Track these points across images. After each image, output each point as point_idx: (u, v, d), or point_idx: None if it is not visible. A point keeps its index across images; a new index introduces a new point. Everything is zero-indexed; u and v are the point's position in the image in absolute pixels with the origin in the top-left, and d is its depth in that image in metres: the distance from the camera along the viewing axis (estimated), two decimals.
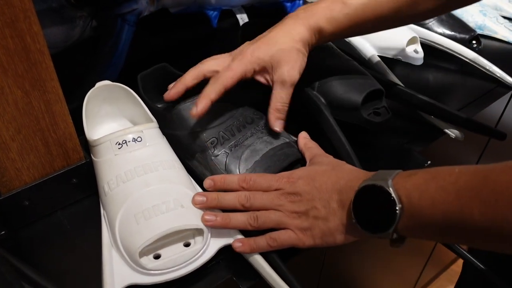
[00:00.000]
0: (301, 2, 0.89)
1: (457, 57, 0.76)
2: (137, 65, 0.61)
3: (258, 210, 0.44)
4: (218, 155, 0.50)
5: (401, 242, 0.39)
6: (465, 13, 0.84)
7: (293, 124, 0.54)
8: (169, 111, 0.53)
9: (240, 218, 0.44)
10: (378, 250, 0.77)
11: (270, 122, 0.52)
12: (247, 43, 0.54)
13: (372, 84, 0.58)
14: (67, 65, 0.68)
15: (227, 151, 0.50)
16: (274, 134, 0.52)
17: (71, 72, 0.67)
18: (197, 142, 0.51)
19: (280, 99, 0.51)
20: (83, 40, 0.71)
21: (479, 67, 0.74)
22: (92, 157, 0.50)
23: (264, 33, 0.54)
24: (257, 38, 0.54)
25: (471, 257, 0.51)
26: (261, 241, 0.44)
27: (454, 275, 1.36)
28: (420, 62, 0.71)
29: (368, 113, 0.57)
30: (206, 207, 0.45)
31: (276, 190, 0.45)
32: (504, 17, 0.89)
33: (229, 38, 0.84)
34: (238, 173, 0.48)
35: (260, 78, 0.53)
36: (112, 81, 0.56)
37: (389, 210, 0.37)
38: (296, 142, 0.53)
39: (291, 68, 0.51)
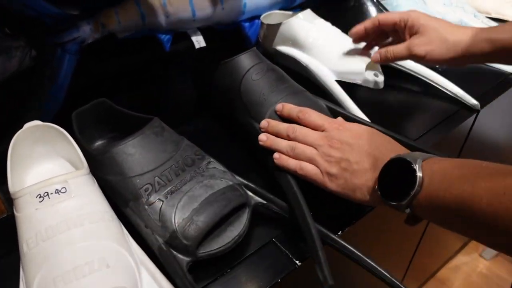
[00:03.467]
0: (259, 21, 0.85)
1: (420, 78, 0.73)
2: (83, 95, 0.58)
3: (300, 142, 0.49)
4: (152, 203, 0.46)
5: (414, 222, 0.44)
6: None
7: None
8: (102, 154, 0.49)
9: (282, 143, 0.50)
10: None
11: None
12: None
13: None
14: (4, 99, 0.64)
15: (162, 199, 0.46)
16: (217, 176, 0.49)
17: (7, 108, 0.63)
18: (130, 189, 0.47)
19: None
20: (23, 72, 0.67)
21: (442, 88, 0.71)
22: (14, 210, 0.45)
23: None
24: None
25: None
26: (292, 162, 0.49)
27: None
28: (380, 86, 0.67)
29: None
30: (266, 131, 0.53)
31: (323, 131, 0.49)
32: None
33: (185, 62, 0.81)
34: (173, 223, 0.45)
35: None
36: (53, 115, 0.52)
37: (410, 184, 0.40)
38: (240, 184, 0.50)
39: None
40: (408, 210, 0.41)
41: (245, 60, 0.59)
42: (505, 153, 1.05)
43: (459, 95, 0.70)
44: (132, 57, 0.75)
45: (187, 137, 0.63)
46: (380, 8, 0.78)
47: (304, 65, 0.72)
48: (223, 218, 0.46)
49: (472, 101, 0.69)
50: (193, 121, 0.68)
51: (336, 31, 0.73)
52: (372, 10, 0.78)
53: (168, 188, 0.47)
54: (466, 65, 0.64)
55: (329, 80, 0.68)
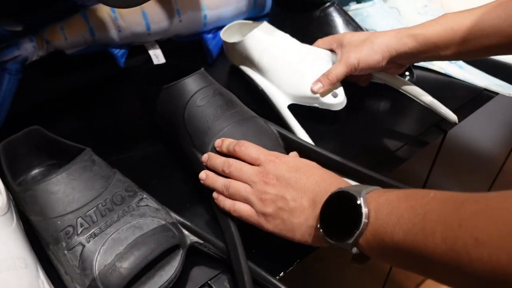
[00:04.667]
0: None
1: (395, 89, 0.68)
2: (30, 115, 0.54)
3: (235, 179, 0.46)
4: (72, 248, 0.42)
5: (362, 261, 0.39)
6: None
7: None
8: (24, 192, 0.45)
9: (218, 182, 0.47)
10: None
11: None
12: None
13: (271, 147, 0.50)
14: None
15: (84, 243, 0.42)
16: (148, 215, 0.45)
17: None
18: (50, 231, 0.43)
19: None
20: None
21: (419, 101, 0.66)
22: None
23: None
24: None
25: None
26: (228, 202, 0.46)
27: None
28: (340, 107, 0.62)
29: None
30: (206, 166, 0.50)
31: (259, 165, 0.45)
32: None
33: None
34: (94, 270, 0.41)
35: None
36: None
37: (354, 220, 0.36)
38: (174, 223, 0.46)
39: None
40: (355, 250, 0.37)
41: (190, 84, 0.54)
42: (475, 169, 1.02)
43: (438, 108, 0.64)
44: (82, 74, 0.71)
45: (134, 163, 0.60)
46: (347, 18, 0.74)
47: (260, 88, 0.67)
48: (152, 262, 0.42)
49: (451, 116, 0.64)
50: (145, 144, 0.64)
51: (294, 48, 0.67)
52: (338, 20, 0.73)
53: (92, 231, 0.43)
54: (401, 69, 0.64)
55: (282, 105, 0.63)
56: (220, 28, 0.82)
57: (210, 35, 0.80)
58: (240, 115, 0.54)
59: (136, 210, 0.45)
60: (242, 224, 0.46)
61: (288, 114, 0.62)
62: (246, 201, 0.45)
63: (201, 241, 0.47)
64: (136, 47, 0.76)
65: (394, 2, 0.85)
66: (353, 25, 0.73)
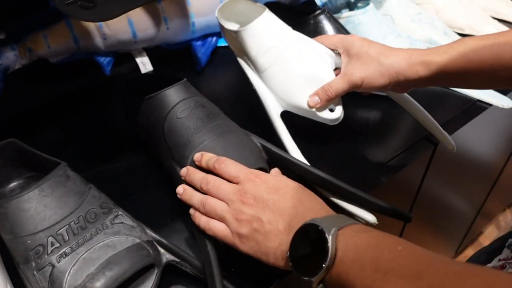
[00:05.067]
0: (213, 39, 0.80)
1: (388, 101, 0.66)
2: (12, 125, 0.52)
3: (212, 196, 0.45)
4: (42, 268, 0.41)
5: None
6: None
7: None
8: None
9: (195, 198, 0.46)
10: None
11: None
12: None
13: (252, 161, 0.49)
14: None
15: (54, 263, 0.41)
16: (122, 233, 0.44)
17: None
18: (20, 250, 0.42)
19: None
20: None
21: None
22: None
23: None
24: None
25: None
26: (203, 220, 0.45)
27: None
28: (335, 122, 0.58)
29: None
30: (185, 180, 0.48)
31: (238, 183, 0.44)
32: None
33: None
34: None
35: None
36: None
37: (321, 258, 0.35)
38: (150, 241, 0.45)
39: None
40: (321, 286, 0.36)
41: (171, 95, 0.53)
42: (471, 178, 1.00)
43: (439, 134, 0.62)
44: (67, 82, 0.69)
45: (118, 174, 0.58)
46: (337, 26, 0.72)
47: (254, 88, 0.63)
48: (125, 282, 0.41)
49: (450, 143, 0.62)
50: (130, 155, 0.62)
51: (294, 48, 0.59)
52: (329, 28, 0.72)
53: (62, 250, 0.42)
54: (406, 91, 0.59)
55: (274, 112, 0.60)
56: (210, 35, 0.81)
57: (199, 43, 0.79)
58: (221, 128, 0.52)
59: (110, 228, 0.44)
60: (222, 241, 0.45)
61: (279, 123, 0.59)
62: (221, 219, 0.44)
63: (178, 260, 0.46)
64: (123, 55, 0.75)
65: (387, 10, 0.84)
66: (344, 34, 0.71)
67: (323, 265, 0.35)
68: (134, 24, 0.70)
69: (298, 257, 0.38)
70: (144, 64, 0.75)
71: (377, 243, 0.34)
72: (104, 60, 0.71)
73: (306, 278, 0.36)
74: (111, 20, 0.68)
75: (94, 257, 0.41)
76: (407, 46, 0.76)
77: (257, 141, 0.54)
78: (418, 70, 0.52)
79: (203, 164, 0.48)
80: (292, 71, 0.59)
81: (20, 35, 0.63)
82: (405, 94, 0.62)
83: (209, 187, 0.45)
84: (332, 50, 0.60)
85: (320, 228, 0.36)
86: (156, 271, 0.44)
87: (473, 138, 0.79)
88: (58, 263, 0.41)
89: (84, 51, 0.69)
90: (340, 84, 0.55)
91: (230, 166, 0.46)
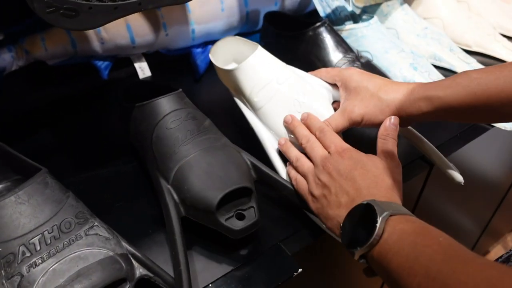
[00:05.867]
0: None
1: None
2: (7, 126, 0.52)
3: (306, 152, 0.52)
4: (11, 277, 0.41)
5: (369, 275, 0.43)
6: (392, 66, 0.73)
7: None
8: None
9: (293, 152, 0.53)
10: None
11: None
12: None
13: (236, 180, 0.48)
14: None
15: (23, 273, 0.41)
16: (96, 245, 0.43)
17: None
18: None
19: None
20: None
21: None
22: None
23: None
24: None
25: None
26: (293, 173, 0.52)
27: None
28: None
29: (228, 216, 0.48)
30: (287, 126, 0.55)
31: (329, 152, 0.50)
32: (437, 67, 0.78)
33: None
34: None
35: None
36: None
37: (367, 235, 0.39)
38: (124, 254, 0.44)
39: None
40: (363, 261, 0.41)
41: (164, 105, 0.53)
42: (474, 197, 0.98)
43: (446, 168, 0.60)
44: (64, 85, 0.70)
45: (105, 180, 0.58)
46: (337, 39, 0.71)
47: (250, 126, 0.60)
48: None
49: (457, 176, 0.59)
50: (120, 162, 0.62)
51: (289, 87, 0.57)
52: (329, 41, 0.70)
53: (33, 260, 0.41)
54: (408, 125, 0.57)
55: (271, 149, 0.57)
56: (211, 42, 0.80)
57: (199, 50, 0.78)
58: (210, 142, 0.51)
59: (83, 239, 0.44)
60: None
61: (277, 160, 0.56)
62: (305, 176, 0.50)
63: (151, 275, 0.45)
64: (122, 59, 0.75)
65: (392, 23, 0.82)
66: (344, 47, 0.70)
67: (367, 242, 0.39)
68: (132, 29, 0.69)
69: (349, 229, 0.42)
70: (142, 69, 0.75)
71: (422, 231, 0.37)
72: (102, 64, 0.71)
73: (350, 250, 0.41)
74: (110, 25, 0.68)
75: (64, 269, 0.41)
76: (410, 61, 0.74)
77: (248, 158, 0.53)
78: (420, 106, 0.50)
79: (308, 124, 0.54)
80: (288, 108, 0.57)
81: (17, 37, 0.64)
82: (411, 129, 0.60)
83: (307, 145, 0.52)
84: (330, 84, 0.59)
85: (374, 207, 0.40)
86: (128, 285, 0.43)
87: (475, 157, 0.77)
88: (27, 273, 0.41)
89: (82, 55, 0.69)
90: (340, 122, 0.54)
91: (328, 135, 0.51)
